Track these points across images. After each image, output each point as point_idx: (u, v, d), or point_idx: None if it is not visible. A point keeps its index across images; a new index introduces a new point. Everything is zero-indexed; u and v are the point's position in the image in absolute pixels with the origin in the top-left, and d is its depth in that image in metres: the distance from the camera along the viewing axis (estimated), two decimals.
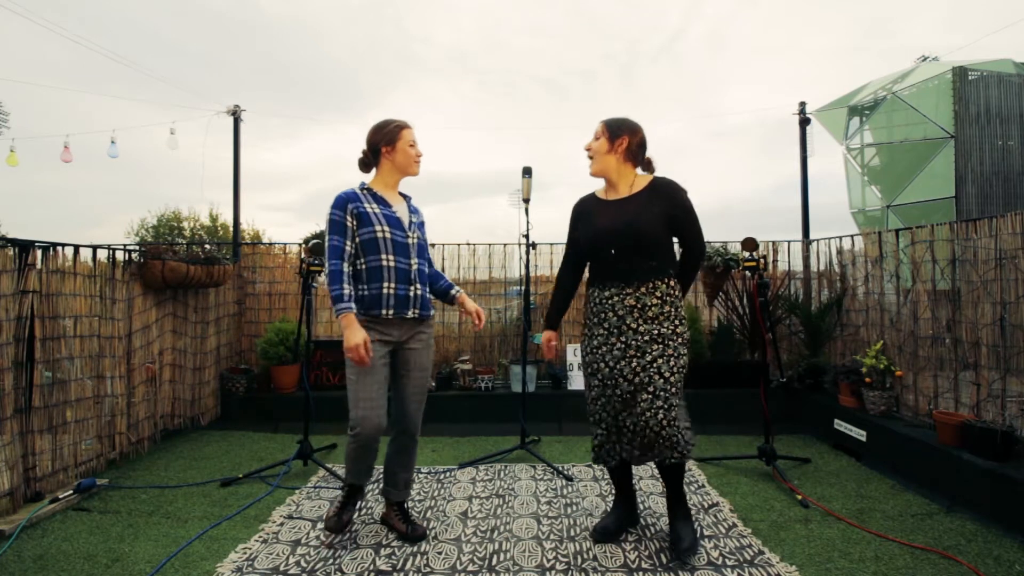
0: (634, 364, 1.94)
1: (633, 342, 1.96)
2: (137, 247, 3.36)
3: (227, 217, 16.10)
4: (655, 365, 1.93)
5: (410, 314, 2.09)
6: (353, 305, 1.97)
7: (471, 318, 2.26)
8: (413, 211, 2.20)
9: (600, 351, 2.03)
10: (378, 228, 2.03)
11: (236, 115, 4.57)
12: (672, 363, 1.93)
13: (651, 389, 1.91)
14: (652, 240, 1.96)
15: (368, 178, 2.18)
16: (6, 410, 2.27)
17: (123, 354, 3.05)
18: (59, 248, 2.63)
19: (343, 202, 2.02)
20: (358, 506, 2.22)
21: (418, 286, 2.12)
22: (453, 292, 2.32)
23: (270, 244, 4.66)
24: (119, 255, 3.09)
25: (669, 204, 1.99)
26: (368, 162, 2.16)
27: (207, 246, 3.98)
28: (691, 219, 2.03)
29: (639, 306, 1.98)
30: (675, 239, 2.10)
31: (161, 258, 3.21)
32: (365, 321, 2.01)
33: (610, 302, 2.02)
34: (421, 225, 2.22)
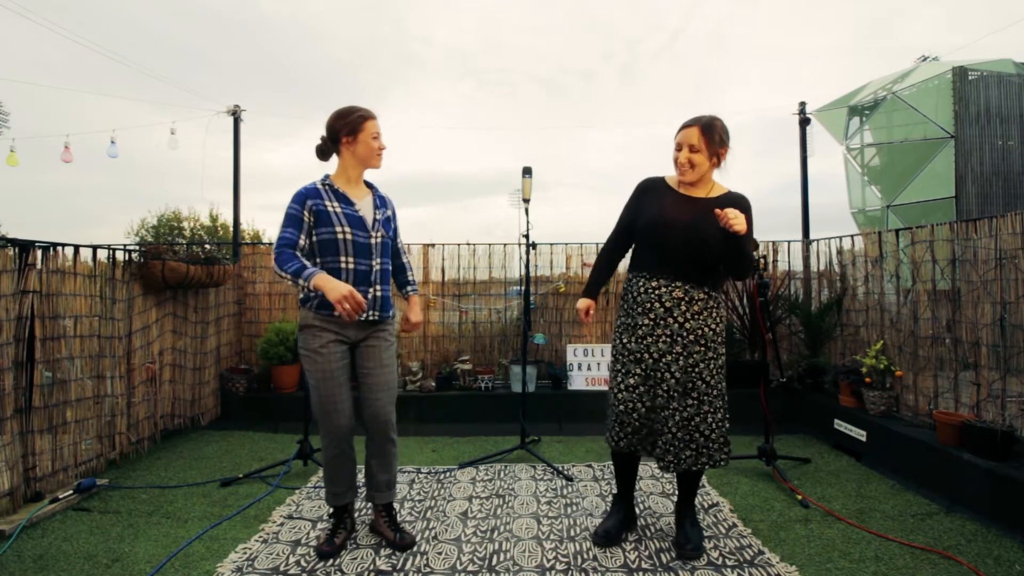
0: (681, 362, 1.95)
1: (679, 338, 1.95)
2: (137, 247, 3.36)
3: (227, 217, 16.09)
4: (697, 369, 1.95)
5: (365, 316, 2.00)
6: (317, 268, 1.89)
7: (405, 324, 2.23)
8: (379, 204, 2.09)
9: (646, 341, 1.98)
10: (338, 229, 1.94)
11: (236, 115, 4.57)
12: (712, 366, 1.97)
13: (695, 395, 1.95)
14: (717, 242, 1.91)
15: (330, 169, 2.08)
16: (6, 410, 2.27)
17: (123, 354, 3.05)
18: (59, 248, 2.63)
19: (302, 198, 1.95)
20: (349, 527, 2.14)
21: (379, 288, 2.03)
22: (406, 291, 2.28)
23: (270, 244, 4.66)
24: (119, 255, 3.09)
25: (742, 211, 1.92)
26: (326, 150, 2.05)
27: (207, 246, 3.98)
28: (751, 225, 1.98)
29: (687, 299, 1.96)
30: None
31: (161, 258, 3.21)
32: (320, 320, 1.96)
33: (657, 292, 1.98)
34: (387, 221, 2.10)
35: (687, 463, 1.95)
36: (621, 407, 2.02)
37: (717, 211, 1.81)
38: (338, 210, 1.96)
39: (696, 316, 1.95)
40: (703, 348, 1.95)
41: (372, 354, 2.06)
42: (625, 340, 2.05)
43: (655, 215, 2.00)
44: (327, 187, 2.00)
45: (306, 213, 1.94)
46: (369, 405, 2.06)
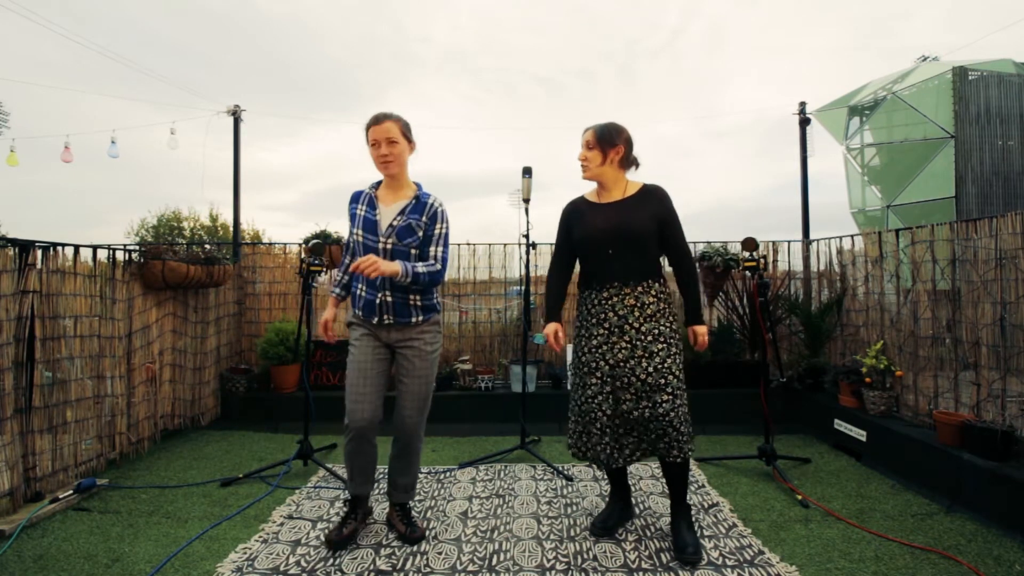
0: (644, 364, 1.99)
1: (639, 341, 2.01)
2: (137, 247, 3.36)
3: (227, 217, 16.13)
4: (666, 365, 1.99)
5: (377, 320, 2.04)
6: (336, 289, 2.25)
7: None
8: (411, 211, 2.06)
9: (601, 350, 2.05)
10: (355, 231, 2.07)
11: (236, 115, 4.57)
12: (678, 360, 2.03)
13: (669, 390, 1.98)
14: (645, 240, 2.04)
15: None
16: (6, 410, 2.27)
17: (123, 354, 3.05)
18: (59, 248, 2.63)
19: (349, 202, 2.16)
20: (360, 519, 2.17)
21: (388, 293, 2.02)
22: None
23: (270, 244, 4.66)
24: (119, 255, 3.09)
25: (659, 207, 2.07)
26: None
27: (207, 246, 3.98)
28: (676, 222, 2.11)
29: (639, 304, 2.03)
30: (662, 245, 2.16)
31: (161, 258, 3.21)
32: (355, 317, 2.13)
33: (610, 302, 2.06)
34: (408, 228, 2.03)
35: (660, 453, 2.02)
36: (586, 418, 2.09)
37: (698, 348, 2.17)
38: (361, 213, 2.08)
39: (650, 319, 2.03)
40: (665, 345, 2.01)
41: (403, 363, 2.11)
42: (579, 353, 2.14)
43: (584, 231, 2.11)
44: (370, 191, 2.13)
45: (349, 219, 2.15)
46: (396, 412, 2.14)
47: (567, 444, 2.21)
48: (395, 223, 2.04)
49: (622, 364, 2.02)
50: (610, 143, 2.08)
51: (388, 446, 2.23)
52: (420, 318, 2.08)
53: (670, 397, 1.98)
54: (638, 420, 2.00)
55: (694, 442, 2.05)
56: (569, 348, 4.20)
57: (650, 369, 1.98)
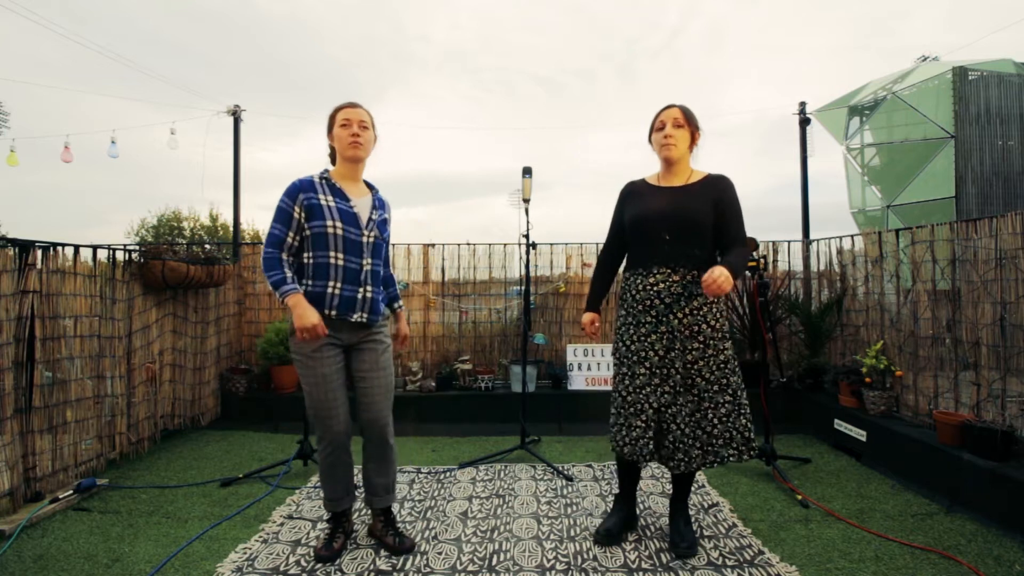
0: (680, 359, 1.96)
1: (678, 334, 1.96)
2: (137, 247, 3.36)
3: (227, 217, 16.13)
4: (697, 366, 1.95)
5: (355, 318, 1.95)
6: (298, 286, 1.88)
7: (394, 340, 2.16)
8: (377, 205, 2.06)
9: (650, 339, 1.98)
10: (329, 223, 1.90)
11: (236, 115, 4.57)
12: (712, 362, 1.95)
13: (695, 391, 1.95)
14: (703, 227, 1.97)
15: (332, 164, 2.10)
16: (6, 410, 2.27)
17: (123, 354, 3.05)
18: (59, 248, 2.63)
19: (295, 191, 1.92)
20: (347, 531, 2.12)
21: (368, 288, 1.98)
22: (396, 306, 2.26)
23: None
24: (119, 255, 3.09)
25: (721, 195, 1.99)
26: (332, 152, 2.08)
27: (207, 246, 3.98)
28: (737, 212, 2.01)
29: (685, 294, 1.96)
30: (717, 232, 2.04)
31: (161, 258, 3.21)
32: (326, 316, 1.96)
33: (655, 288, 1.98)
34: (383, 223, 2.07)
35: (697, 462, 1.94)
36: (630, 409, 2.00)
37: (704, 288, 1.77)
38: (331, 204, 1.92)
39: (695, 312, 1.96)
40: (701, 345, 1.95)
41: (368, 357, 2.02)
42: (627, 341, 2.04)
43: (641, 211, 2.05)
44: (323, 181, 1.98)
45: (297, 208, 1.91)
46: (366, 410, 2.02)
47: (610, 441, 2.10)
48: (374, 216, 2.02)
49: (664, 356, 1.97)
50: (697, 125, 2.05)
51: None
52: (381, 315, 2.09)
53: (695, 399, 1.95)
54: (674, 418, 1.96)
55: (734, 448, 1.95)
56: (570, 348, 4.20)
57: (684, 364, 1.95)
